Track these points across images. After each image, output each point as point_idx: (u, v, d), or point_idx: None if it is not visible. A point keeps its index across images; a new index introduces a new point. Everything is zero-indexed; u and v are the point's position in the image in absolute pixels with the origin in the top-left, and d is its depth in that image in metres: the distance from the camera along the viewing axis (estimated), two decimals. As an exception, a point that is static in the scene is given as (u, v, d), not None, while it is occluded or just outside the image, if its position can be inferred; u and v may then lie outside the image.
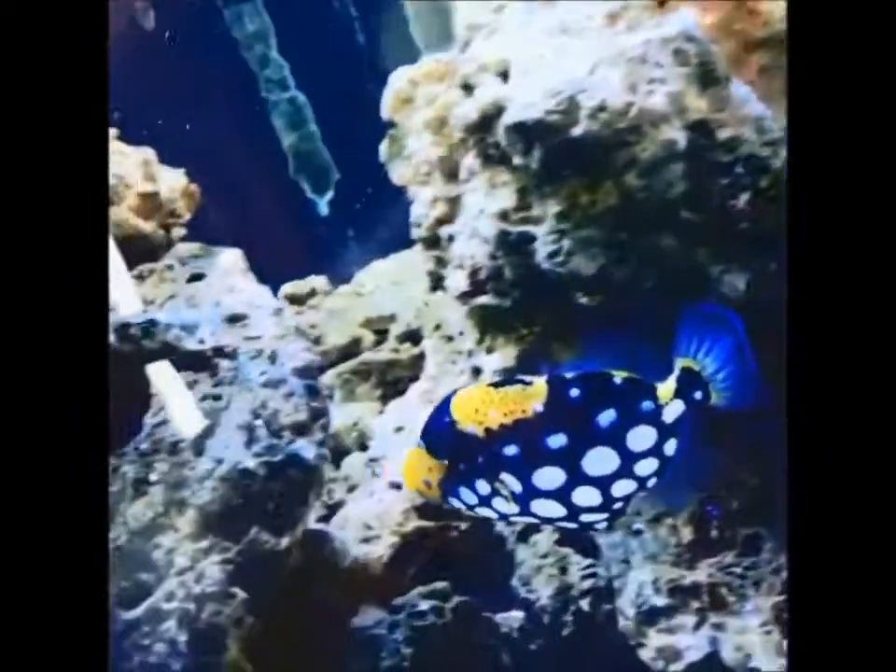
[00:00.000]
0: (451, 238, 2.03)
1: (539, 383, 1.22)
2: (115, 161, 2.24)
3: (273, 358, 1.86)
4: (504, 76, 1.85)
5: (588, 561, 2.04)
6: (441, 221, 2.06)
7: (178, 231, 2.35)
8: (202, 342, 1.87)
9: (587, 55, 1.70)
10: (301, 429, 1.78)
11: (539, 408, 1.21)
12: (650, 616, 1.90)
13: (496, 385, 1.24)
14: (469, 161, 1.96)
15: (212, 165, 2.63)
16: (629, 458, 1.22)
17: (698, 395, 1.22)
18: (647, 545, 1.95)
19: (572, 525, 1.28)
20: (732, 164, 1.68)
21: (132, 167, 2.28)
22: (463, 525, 2.05)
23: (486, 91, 1.84)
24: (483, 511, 1.28)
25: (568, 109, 1.67)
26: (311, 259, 3.15)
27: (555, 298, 1.84)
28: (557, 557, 2.06)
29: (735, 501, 1.89)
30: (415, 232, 2.14)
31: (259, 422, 1.76)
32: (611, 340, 1.27)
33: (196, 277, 2.17)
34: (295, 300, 2.83)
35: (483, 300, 1.97)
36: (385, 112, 2.23)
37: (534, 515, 1.26)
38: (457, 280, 1.99)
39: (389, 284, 2.78)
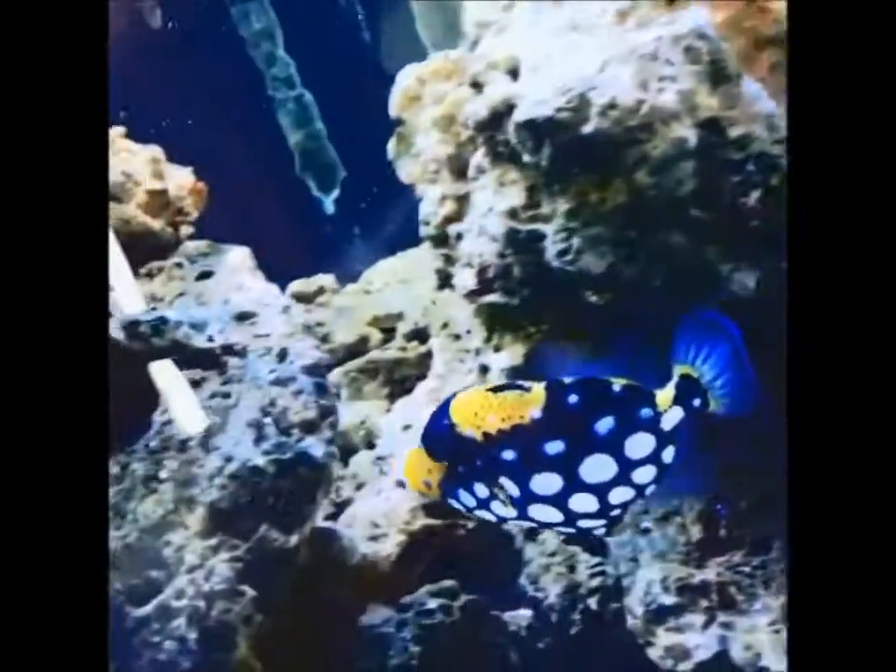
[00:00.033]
0: (459, 236, 2.02)
1: (538, 389, 1.21)
2: (123, 159, 2.25)
3: (282, 356, 1.86)
4: (514, 73, 1.84)
5: (596, 559, 2.04)
6: (450, 219, 2.05)
7: (186, 229, 2.35)
8: (211, 339, 1.88)
9: (597, 52, 1.69)
10: (310, 427, 1.78)
11: (537, 414, 1.19)
12: (658, 615, 1.89)
13: (494, 389, 1.23)
14: (478, 158, 1.96)
15: (219, 163, 2.64)
16: (627, 466, 1.21)
17: (697, 402, 1.20)
18: (655, 543, 1.94)
19: (570, 531, 1.28)
20: (742, 162, 1.66)
21: (140, 165, 2.28)
22: (471, 524, 2.05)
23: (496, 88, 1.83)
24: (482, 514, 1.27)
25: (578, 107, 1.66)
26: (317, 258, 3.15)
27: (564, 296, 1.83)
28: (565, 556, 2.06)
29: (743, 501, 1.89)
30: (423, 230, 2.13)
31: (268, 420, 1.77)
32: (619, 344, 1.26)
33: (205, 275, 2.17)
34: (302, 298, 2.82)
35: (492, 298, 1.96)
36: (393, 110, 2.22)
37: (532, 520, 1.25)
38: (465, 278, 1.98)
39: (397, 282, 2.78)
